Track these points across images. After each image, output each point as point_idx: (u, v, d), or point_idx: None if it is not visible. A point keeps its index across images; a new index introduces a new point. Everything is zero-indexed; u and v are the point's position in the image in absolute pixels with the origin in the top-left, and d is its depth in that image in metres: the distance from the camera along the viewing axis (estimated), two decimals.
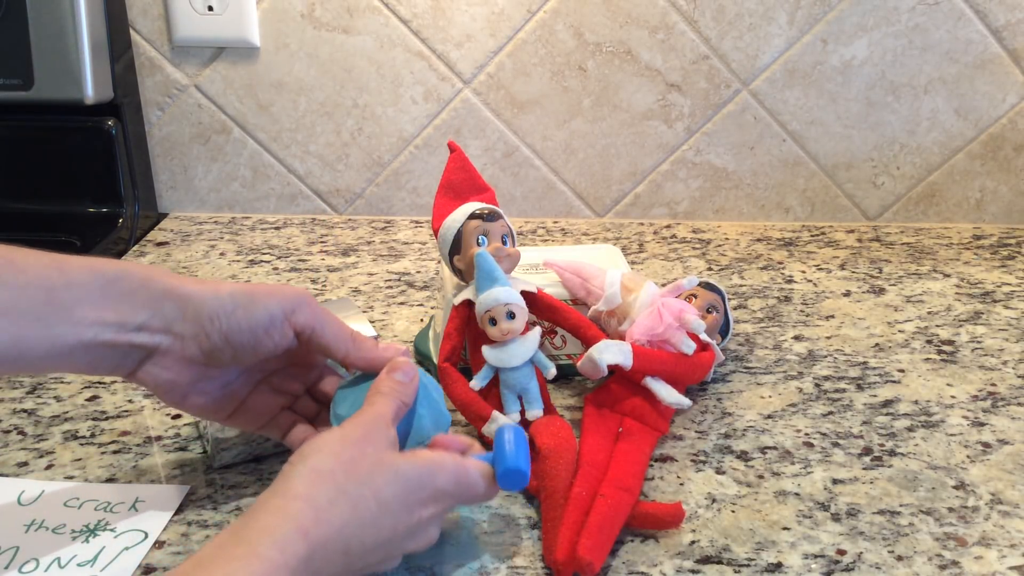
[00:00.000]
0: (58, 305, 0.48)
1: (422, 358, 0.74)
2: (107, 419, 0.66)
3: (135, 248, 0.98)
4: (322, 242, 1.00)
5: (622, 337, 0.65)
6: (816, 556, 0.53)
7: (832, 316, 0.83)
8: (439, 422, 0.54)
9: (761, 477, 0.60)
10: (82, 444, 0.63)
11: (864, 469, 0.61)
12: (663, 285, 0.70)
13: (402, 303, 0.85)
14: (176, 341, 0.51)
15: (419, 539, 0.49)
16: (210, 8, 0.97)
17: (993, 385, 0.71)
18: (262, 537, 0.41)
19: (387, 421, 0.49)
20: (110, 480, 0.59)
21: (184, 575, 0.39)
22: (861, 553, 0.53)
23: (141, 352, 0.51)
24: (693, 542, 0.54)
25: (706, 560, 0.52)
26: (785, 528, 0.55)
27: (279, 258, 0.95)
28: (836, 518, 0.56)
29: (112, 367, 0.50)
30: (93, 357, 0.49)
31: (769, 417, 0.67)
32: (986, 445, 0.63)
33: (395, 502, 0.46)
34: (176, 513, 0.56)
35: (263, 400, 0.56)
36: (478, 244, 0.64)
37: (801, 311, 0.84)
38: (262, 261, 0.94)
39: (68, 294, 0.48)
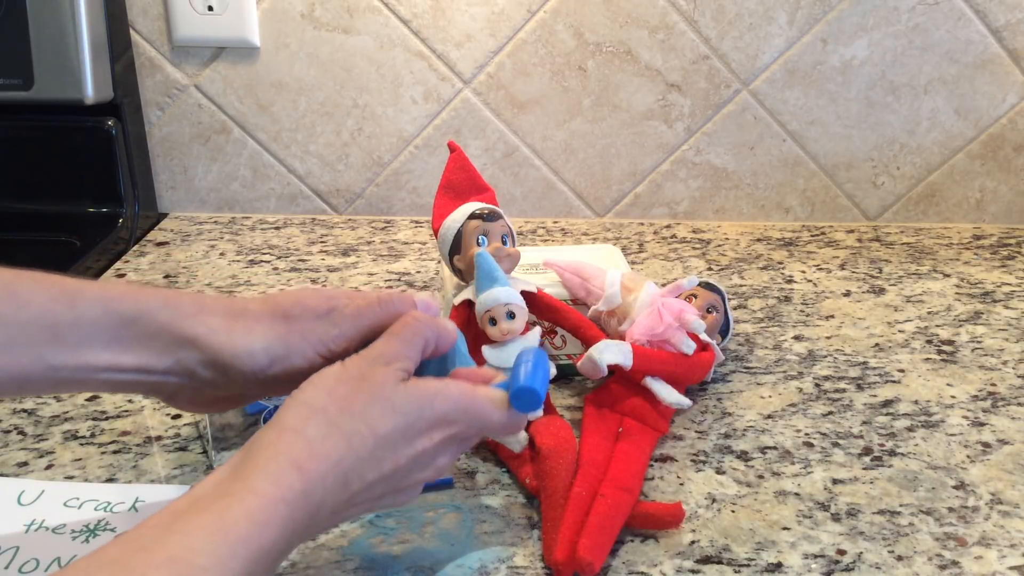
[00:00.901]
0: (65, 345, 0.44)
1: None
2: (107, 419, 0.66)
3: (135, 248, 0.98)
4: (322, 242, 1.00)
5: (622, 337, 0.65)
6: (816, 556, 0.53)
7: (832, 316, 0.83)
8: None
9: (761, 477, 0.60)
10: (82, 444, 0.63)
11: (864, 469, 0.61)
12: (663, 285, 0.70)
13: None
14: (203, 384, 0.48)
15: (428, 469, 0.47)
16: (210, 8, 0.97)
17: (993, 385, 0.71)
18: (255, 472, 0.40)
19: (389, 358, 0.47)
20: (110, 480, 0.59)
21: (179, 512, 0.39)
22: (861, 553, 0.53)
23: (162, 390, 0.49)
24: (693, 542, 0.54)
25: (706, 560, 0.52)
26: (785, 528, 0.55)
27: (279, 258, 0.95)
28: (836, 518, 0.56)
29: (126, 393, 0.49)
30: (105, 388, 0.47)
31: (769, 417, 0.67)
32: (986, 445, 0.63)
33: (394, 434, 0.44)
34: None
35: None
36: (478, 244, 0.64)
37: (801, 311, 0.84)
38: (262, 261, 0.94)
39: (77, 333, 0.45)
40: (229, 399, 0.52)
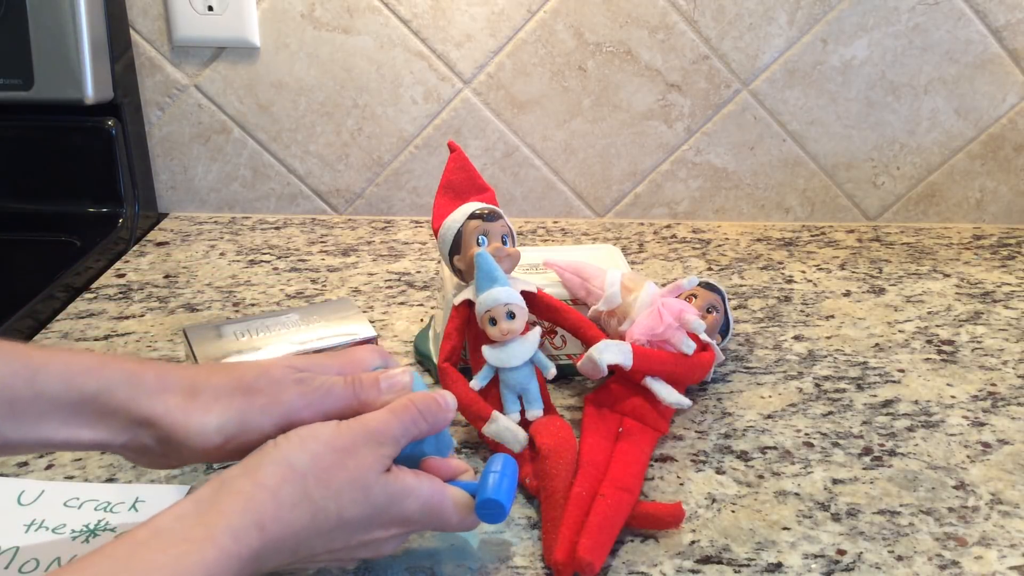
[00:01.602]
0: (22, 420, 0.45)
1: (422, 358, 0.74)
2: None
3: (135, 248, 0.98)
4: (322, 242, 1.00)
5: (622, 337, 0.65)
6: (816, 556, 0.53)
7: (832, 316, 0.83)
8: (440, 445, 0.52)
9: (761, 477, 0.60)
10: None
11: (864, 469, 0.61)
12: (663, 285, 0.70)
13: (402, 303, 0.85)
14: (157, 456, 0.48)
15: (371, 551, 0.48)
16: (210, 8, 0.97)
17: (993, 385, 0.71)
18: (220, 522, 0.41)
19: (381, 440, 0.47)
20: (110, 480, 0.59)
21: (138, 544, 0.39)
22: (861, 553, 0.53)
23: (120, 454, 0.49)
24: (693, 542, 0.54)
25: (706, 560, 0.52)
26: (785, 528, 0.55)
27: (279, 258, 0.95)
28: (836, 518, 0.56)
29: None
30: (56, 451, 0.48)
31: (769, 417, 0.67)
32: (986, 445, 0.63)
33: (356, 521, 0.45)
34: None
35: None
36: (478, 244, 0.64)
37: (801, 311, 0.84)
38: (262, 261, 0.94)
39: (34, 408, 0.45)
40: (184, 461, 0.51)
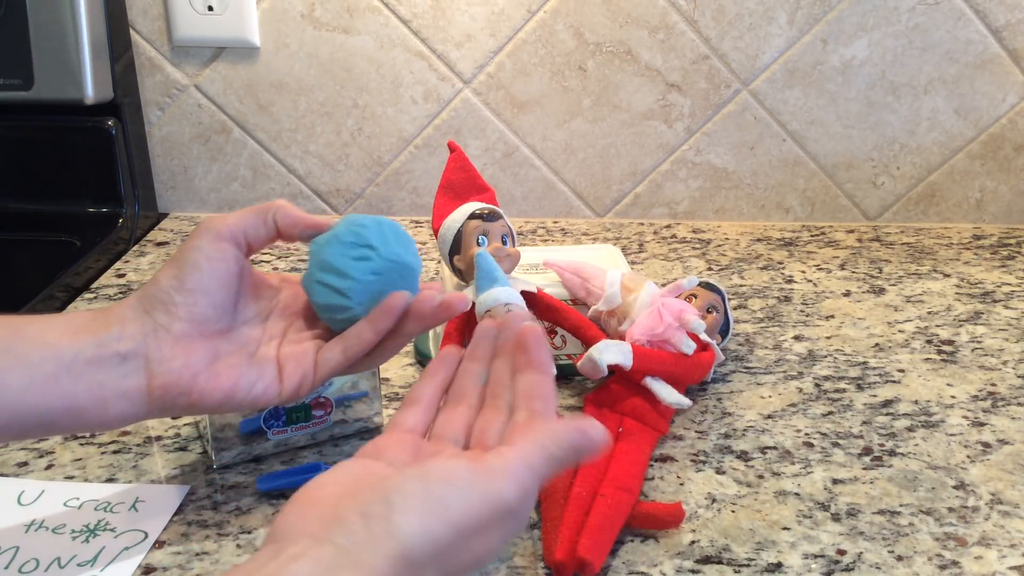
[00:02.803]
0: (23, 337, 0.46)
1: (422, 358, 0.74)
2: None
3: (135, 248, 0.98)
4: None
5: (622, 337, 0.65)
6: (816, 556, 0.53)
7: (832, 316, 0.83)
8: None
9: (761, 477, 0.60)
10: (82, 444, 0.63)
11: (864, 469, 0.61)
12: (663, 285, 0.70)
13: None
14: (159, 330, 0.49)
15: None
16: (210, 8, 0.97)
17: (993, 385, 0.71)
18: None
19: (518, 519, 0.40)
20: (110, 480, 0.59)
21: None
22: (861, 553, 0.53)
23: (134, 358, 0.48)
24: (693, 542, 0.54)
25: (706, 560, 0.52)
26: (785, 528, 0.55)
27: (279, 258, 0.95)
28: (836, 518, 0.56)
29: (116, 388, 0.47)
30: (83, 381, 0.46)
31: (769, 417, 0.67)
32: (986, 445, 0.63)
33: (474, 560, 0.40)
34: (176, 513, 0.56)
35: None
36: (478, 244, 0.64)
37: (801, 311, 0.84)
38: (262, 261, 0.94)
39: (33, 328, 0.47)
40: (229, 353, 0.51)
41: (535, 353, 0.48)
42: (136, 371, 0.48)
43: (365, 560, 0.36)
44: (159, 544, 0.53)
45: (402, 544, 0.37)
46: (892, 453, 0.63)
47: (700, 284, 0.70)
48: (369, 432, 0.64)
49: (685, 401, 0.63)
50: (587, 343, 0.64)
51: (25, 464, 0.61)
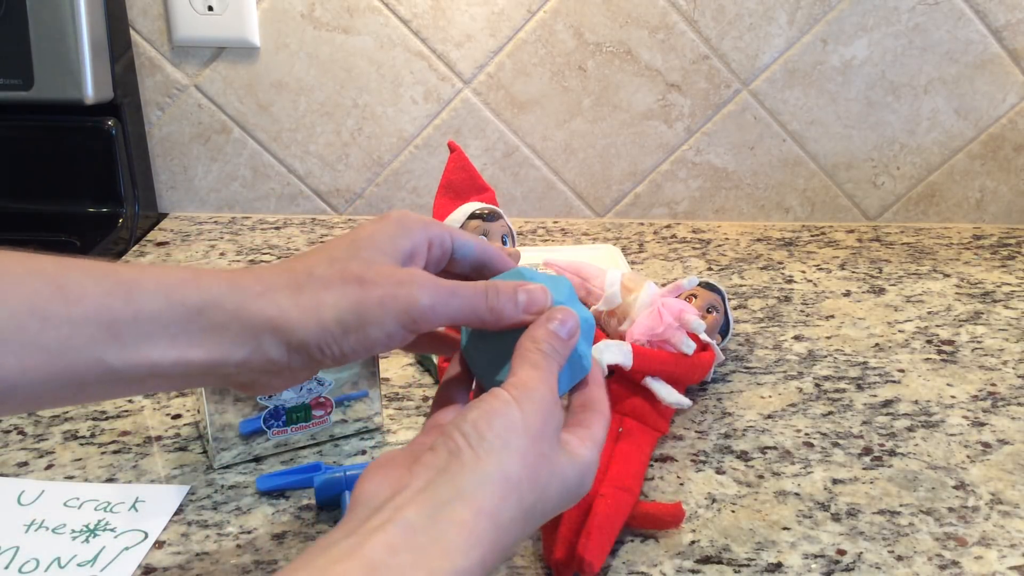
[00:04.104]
0: (125, 343, 0.39)
1: (422, 358, 0.74)
2: (107, 419, 0.66)
3: (135, 248, 0.98)
4: (322, 242, 1.00)
5: (622, 337, 0.65)
6: (816, 556, 0.53)
7: (832, 316, 0.83)
8: (574, 373, 0.47)
9: (761, 477, 0.60)
10: (82, 444, 0.63)
11: (864, 469, 0.61)
12: (663, 285, 0.70)
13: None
14: (281, 369, 0.43)
15: None
16: (210, 8, 0.97)
17: (993, 385, 0.71)
18: (444, 565, 0.35)
19: (554, 410, 0.42)
20: (110, 480, 0.59)
21: None
22: (861, 553, 0.53)
23: (234, 381, 0.43)
24: (693, 542, 0.54)
25: (706, 560, 0.52)
26: (785, 528, 0.55)
27: (279, 258, 0.95)
28: (836, 518, 0.56)
29: (191, 388, 0.44)
30: (169, 387, 0.42)
31: (769, 417, 0.67)
32: (986, 445, 0.63)
33: (552, 510, 0.41)
34: (176, 513, 0.56)
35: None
36: None
37: (801, 311, 0.84)
38: (262, 261, 0.94)
39: (136, 329, 0.39)
40: (302, 375, 0.46)
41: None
42: (219, 381, 0.44)
43: (466, 486, 0.37)
44: (159, 544, 0.53)
45: (497, 465, 0.38)
46: (892, 453, 0.63)
47: (700, 284, 0.70)
48: (369, 432, 0.64)
49: (685, 401, 0.63)
50: None
51: (25, 464, 0.61)
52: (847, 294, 0.88)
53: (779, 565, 0.52)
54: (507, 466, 0.38)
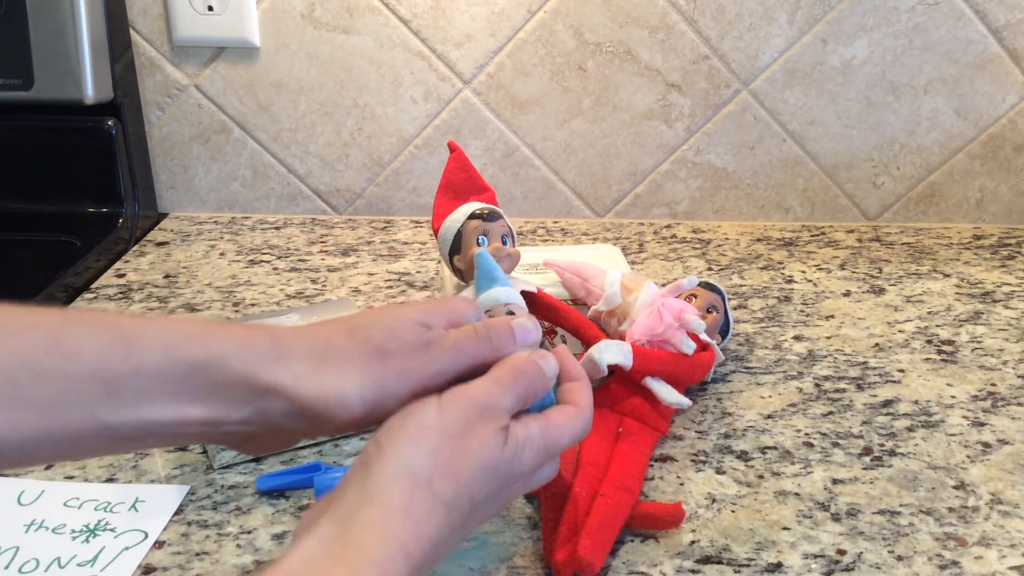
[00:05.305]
0: (122, 400, 0.38)
1: None
2: None
3: (135, 248, 0.98)
4: (322, 242, 1.00)
5: (622, 337, 0.65)
6: (816, 556, 0.53)
7: (832, 316, 0.83)
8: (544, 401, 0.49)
9: (761, 477, 0.60)
10: None
11: (864, 469, 0.61)
12: (663, 285, 0.70)
13: (402, 303, 0.85)
14: (285, 432, 0.43)
15: (500, 510, 0.46)
16: (210, 8, 0.97)
17: (993, 385, 0.71)
18: (361, 557, 0.36)
19: (494, 414, 0.43)
20: (110, 480, 0.59)
21: None
22: (861, 553, 0.53)
23: (231, 439, 0.43)
24: (693, 542, 0.54)
25: (706, 560, 0.52)
26: (785, 528, 0.55)
27: (279, 258, 0.95)
28: (836, 518, 0.56)
29: (189, 443, 0.44)
30: (167, 444, 0.43)
31: (769, 417, 0.67)
32: (986, 445, 0.63)
33: (489, 499, 0.42)
34: (176, 513, 0.56)
35: None
36: (478, 244, 0.64)
37: (801, 311, 0.84)
38: (262, 261, 0.94)
39: (136, 385, 0.39)
40: (301, 438, 0.47)
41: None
42: (217, 439, 0.43)
43: (370, 488, 0.39)
44: (159, 544, 0.53)
45: (401, 462, 0.39)
46: (892, 453, 0.63)
47: (700, 284, 0.70)
48: (369, 432, 0.64)
49: (685, 401, 0.63)
50: (587, 343, 0.64)
51: None
52: (847, 294, 0.88)
53: (779, 565, 0.52)
54: (412, 462, 0.40)
